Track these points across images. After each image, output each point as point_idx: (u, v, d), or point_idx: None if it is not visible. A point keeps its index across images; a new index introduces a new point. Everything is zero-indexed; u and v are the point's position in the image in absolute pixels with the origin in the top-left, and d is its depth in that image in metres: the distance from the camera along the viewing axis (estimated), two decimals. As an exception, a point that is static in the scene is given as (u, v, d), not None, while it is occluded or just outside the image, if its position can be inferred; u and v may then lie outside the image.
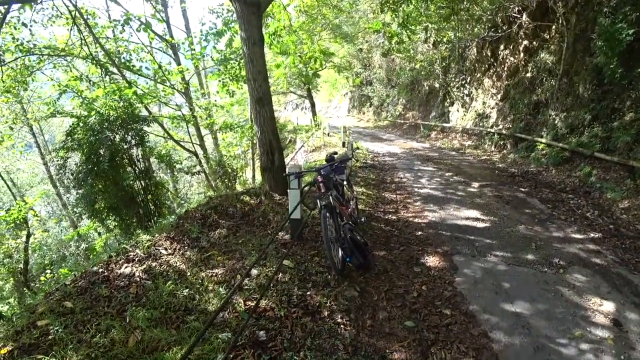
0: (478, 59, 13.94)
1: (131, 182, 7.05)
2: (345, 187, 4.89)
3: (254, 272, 3.81)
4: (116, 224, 7.41)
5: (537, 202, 6.48)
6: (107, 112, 6.81)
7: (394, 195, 7.20)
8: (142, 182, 7.38)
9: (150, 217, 7.25)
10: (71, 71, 9.99)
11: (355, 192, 5.30)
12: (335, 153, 4.69)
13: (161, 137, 11.44)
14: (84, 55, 9.26)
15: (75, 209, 7.42)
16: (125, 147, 6.96)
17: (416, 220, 5.70)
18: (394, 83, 24.32)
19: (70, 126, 6.82)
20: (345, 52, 25.49)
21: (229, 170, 8.70)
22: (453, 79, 16.29)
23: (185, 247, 4.45)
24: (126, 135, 6.93)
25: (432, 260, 4.27)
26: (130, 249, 4.34)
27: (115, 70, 9.74)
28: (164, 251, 4.35)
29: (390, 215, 5.93)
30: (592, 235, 5.06)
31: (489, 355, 2.80)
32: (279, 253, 4.16)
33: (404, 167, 10.15)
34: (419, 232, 5.15)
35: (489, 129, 12.79)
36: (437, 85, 18.41)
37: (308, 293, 3.38)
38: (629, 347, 2.90)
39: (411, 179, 8.68)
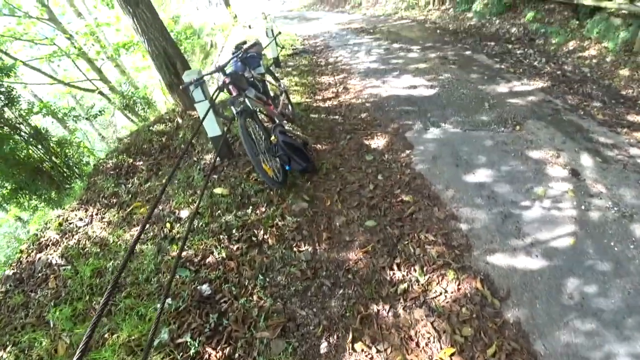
0: None
1: (26, 151, 5.58)
2: (268, 82, 3.99)
3: (184, 213, 3.13)
4: (36, 202, 6.09)
5: (483, 57, 5.98)
6: None
7: (332, 78, 6.36)
8: (39, 147, 5.87)
9: (69, 181, 6.03)
10: None
11: (283, 85, 4.41)
12: (244, 42, 3.64)
13: (46, 84, 9.06)
14: None
15: None
16: None
17: (359, 101, 5.03)
18: (313, -53, 20.89)
19: None
20: None
21: (136, 99, 7.16)
22: None
23: (103, 209, 3.67)
24: None
25: (383, 144, 3.75)
26: (41, 233, 3.54)
27: None
28: (79, 223, 3.55)
29: (330, 102, 5.20)
30: (541, 84, 4.77)
31: (459, 236, 2.49)
32: (210, 182, 3.42)
33: (338, 45, 9.05)
34: (365, 114, 4.53)
35: (423, -15, 11.52)
36: (361, -59, 15.91)
37: (249, 220, 2.80)
38: (588, 194, 2.75)
39: (347, 56, 7.73)
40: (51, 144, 6.12)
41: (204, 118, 3.09)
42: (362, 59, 7.23)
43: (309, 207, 2.89)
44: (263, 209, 2.91)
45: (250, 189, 3.17)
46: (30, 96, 14.23)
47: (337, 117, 4.60)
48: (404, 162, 3.34)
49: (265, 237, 2.65)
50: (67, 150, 6.45)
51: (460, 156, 3.34)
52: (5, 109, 5.49)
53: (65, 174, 6.10)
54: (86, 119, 7.57)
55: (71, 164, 6.37)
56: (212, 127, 3.43)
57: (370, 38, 9.00)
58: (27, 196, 5.79)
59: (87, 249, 3.05)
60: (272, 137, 3.05)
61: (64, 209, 3.94)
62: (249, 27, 15.31)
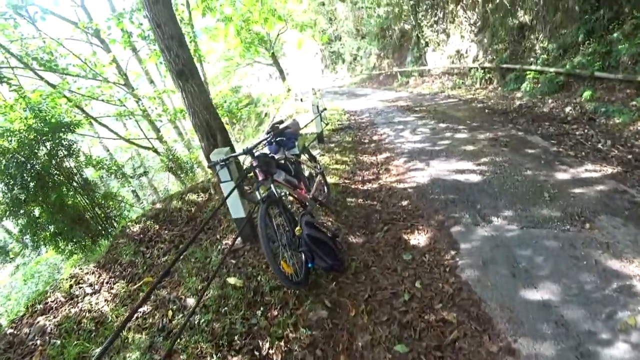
0: (449, -12, 12.50)
1: (73, 200, 6.07)
2: (304, 162, 3.87)
3: (190, 302, 2.89)
4: (71, 248, 6.43)
5: (538, 139, 5.53)
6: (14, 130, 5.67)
7: (374, 158, 6.20)
8: (86, 197, 6.38)
9: (105, 234, 6.32)
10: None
11: (320, 166, 4.27)
12: (281, 122, 3.61)
13: (111, 138, 10.17)
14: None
15: (19, 242, 6.38)
16: (53, 162, 5.89)
17: (401, 185, 4.73)
18: (364, 33, 22.63)
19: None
20: (307, 8, 23.53)
21: (181, 163, 7.56)
22: (425, 17, 14.84)
23: (116, 278, 3.65)
24: (47, 148, 5.82)
25: (425, 240, 3.33)
26: (51, 292, 3.58)
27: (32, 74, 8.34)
28: (88, 289, 3.56)
29: (370, 184, 4.95)
30: (610, 170, 4.16)
31: (520, 381, 1.91)
32: (227, 267, 3.20)
33: (384, 122, 9.09)
34: (406, 202, 4.19)
35: (470, 65, 11.63)
36: (408, 27, 16.93)
37: (256, 326, 2.44)
38: (701, 323, 2.05)
39: (392, 134, 7.64)
40: (97, 196, 6.58)
41: (226, 197, 2.96)
42: (407, 138, 7.08)
43: (328, 316, 2.47)
44: (275, 312, 2.55)
45: (266, 284, 2.86)
46: (100, 147, 16.14)
47: (375, 203, 4.30)
48: (447, 266, 2.87)
49: (270, 351, 2.26)
50: (110, 203, 6.86)
51: (517, 262, 2.81)
52: (65, 159, 6.07)
53: (102, 226, 6.38)
54: (131, 177, 8.15)
55: (112, 215, 6.73)
56: (236, 208, 3.28)
57: (416, 116, 8.95)
58: (65, 241, 6.06)
59: (83, 324, 2.92)
60: (297, 228, 2.80)
61: (80, 269, 3.95)
62: (301, 100, 16.31)
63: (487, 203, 3.80)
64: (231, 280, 2.98)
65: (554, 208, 3.50)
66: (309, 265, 2.73)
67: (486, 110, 8.12)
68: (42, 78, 8.69)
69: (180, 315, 2.77)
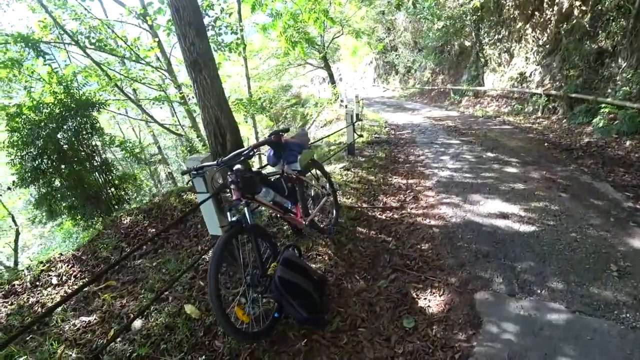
0: (518, 4, 11.33)
1: (90, 177, 6.19)
2: (307, 180, 3.26)
3: (137, 324, 2.41)
4: (85, 223, 6.43)
5: (609, 188, 4.49)
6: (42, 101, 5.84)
7: (404, 181, 5.45)
8: (103, 176, 6.43)
9: (111, 214, 6.25)
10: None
11: (327, 187, 3.62)
12: (287, 130, 3.01)
13: (144, 121, 10.30)
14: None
15: (36, 211, 6.49)
16: (79, 137, 6.05)
17: (426, 221, 3.97)
18: (421, 46, 21.64)
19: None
20: (365, 15, 22.99)
21: (200, 154, 7.33)
22: (487, 34, 13.69)
23: (85, 273, 3.37)
24: (71, 125, 5.95)
25: (437, 303, 2.58)
26: (24, 274, 3.42)
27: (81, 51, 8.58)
28: (55, 279, 3.38)
29: (390, 214, 4.23)
30: None
31: None
32: (192, 288, 2.70)
33: (425, 142, 8.26)
34: (427, 245, 3.43)
35: (533, 91, 10.41)
36: (468, 44, 15.79)
37: None
38: None
39: (431, 157, 6.82)
40: (113, 177, 6.65)
41: (195, 208, 2.46)
42: (447, 164, 6.24)
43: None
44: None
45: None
46: (140, 128, 16.82)
47: (389, 239, 3.58)
48: (458, 352, 2.11)
49: None
50: (126, 185, 6.90)
51: (561, 367, 2.00)
52: (90, 137, 6.25)
53: (114, 207, 6.35)
54: (145, 163, 8.29)
55: (125, 198, 6.76)
56: (212, 224, 2.73)
57: (462, 140, 8.03)
58: (80, 215, 6.21)
59: (30, 318, 2.68)
60: (274, 264, 2.21)
61: (60, 254, 3.75)
62: (345, 106, 15.82)
63: (530, 266, 2.96)
64: (188, 308, 2.47)
65: (623, 290, 2.60)
66: (275, 314, 2.11)
67: (545, 144, 7.03)
68: (88, 56, 8.90)
69: (120, 338, 2.32)
